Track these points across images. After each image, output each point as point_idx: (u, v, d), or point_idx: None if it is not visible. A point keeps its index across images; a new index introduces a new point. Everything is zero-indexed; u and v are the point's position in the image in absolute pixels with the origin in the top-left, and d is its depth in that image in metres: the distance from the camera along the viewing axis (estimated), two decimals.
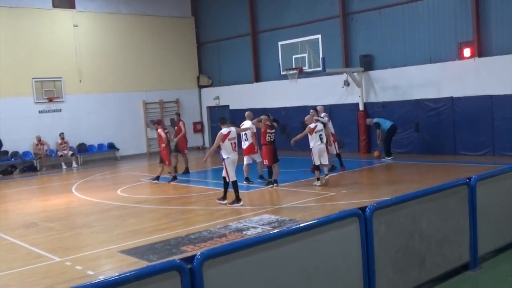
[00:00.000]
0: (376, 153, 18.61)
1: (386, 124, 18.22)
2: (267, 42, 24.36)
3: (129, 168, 20.23)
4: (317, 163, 13.67)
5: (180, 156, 17.36)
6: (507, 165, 7.79)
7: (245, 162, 14.43)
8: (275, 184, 13.85)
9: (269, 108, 22.65)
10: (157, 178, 16.03)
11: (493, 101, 16.88)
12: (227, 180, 11.83)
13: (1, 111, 21.44)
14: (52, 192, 15.99)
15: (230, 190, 11.85)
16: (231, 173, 11.73)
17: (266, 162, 13.91)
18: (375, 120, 18.55)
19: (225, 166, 11.75)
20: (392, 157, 18.01)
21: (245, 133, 14.22)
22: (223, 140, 11.76)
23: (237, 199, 11.85)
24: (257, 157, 14.54)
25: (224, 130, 11.88)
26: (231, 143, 11.81)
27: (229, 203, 11.91)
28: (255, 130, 14.47)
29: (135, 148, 25.32)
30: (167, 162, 16.02)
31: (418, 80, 18.91)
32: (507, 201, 7.02)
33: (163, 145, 16.02)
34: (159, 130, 16.10)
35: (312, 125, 13.73)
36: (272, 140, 13.87)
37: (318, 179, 13.68)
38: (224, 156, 11.79)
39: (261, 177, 14.66)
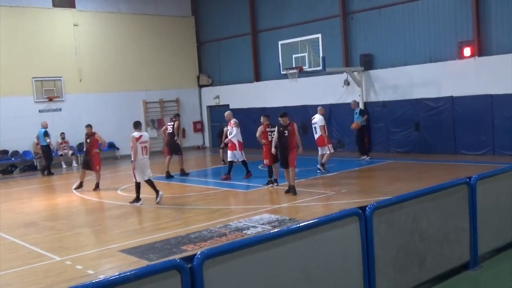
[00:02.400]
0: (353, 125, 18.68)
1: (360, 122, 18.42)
2: (267, 41, 24.35)
3: (129, 168, 20.04)
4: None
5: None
6: (507, 165, 7.80)
7: (319, 153, 15.76)
8: (275, 184, 13.86)
9: (269, 108, 22.65)
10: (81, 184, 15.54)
11: (493, 100, 16.88)
12: (134, 180, 12.52)
13: (1, 110, 21.45)
14: (52, 192, 16.00)
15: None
16: (137, 175, 12.38)
17: (266, 161, 13.92)
18: (362, 110, 18.60)
19: (132, 168, 12.44)
20: (369, 157, 18.20)
21: (315, 127, 15.69)
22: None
23: (137, 199, 12.57)
24: (325, 149, 15.62)
25: (136, 134, 12.42)
26: (141, 147, 12.33)
27: (130, 202, 12.62)
28: (323, 124, 15.65)
29: None
30: (98, 167, 15.48)
31: (418, 79, 18.91)
32: (507, 201, 7.02)
33: (96, 150, 15.44)
34: (97, 135, 15.50)
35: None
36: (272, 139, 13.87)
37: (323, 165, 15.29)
38: (133, 158, 12.35)
39: (322, 165, 15.60)
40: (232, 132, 15.40)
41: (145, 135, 12.71)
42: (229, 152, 15.49)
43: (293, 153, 12.75)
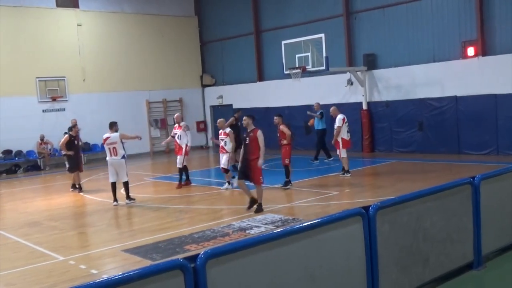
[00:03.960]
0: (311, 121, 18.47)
1: (321, 125, 18.10)
2: (270, 41, 24.34)
3: (132, 167, 20.19)
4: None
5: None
6: (511, 165, 7.77)
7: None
8: (290, 184, 13.69)
9: (272, 107, 22.66)
10: (80, 186, 15.45)
11: (497, 100, 16.84)
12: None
13: (5, 110, 21.50)
14: (56, 191, 16.02)
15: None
16: (109, 175, 12.84)
17: (287, 161, 13.53)
18: (322, 112, 18.15)
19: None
20: (318, 161, 17.94)
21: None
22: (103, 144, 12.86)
23: (114, 199, 12.75)
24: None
25: (104, 135, 12.77)
26: (108, 148, 12.63)
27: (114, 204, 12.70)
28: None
29: (138, 147, 25.29)
30: (82, 168, 15.66)
31: (422, 79, 18.87)
32: (511, 201, 6.99)
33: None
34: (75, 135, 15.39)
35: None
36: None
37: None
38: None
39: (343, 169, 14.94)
40: (184, 136, 14.60)
41: (113, 136, 12.64)
42: (179, 157, 14.53)
43: (256, 166, 10.82)
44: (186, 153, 14.62)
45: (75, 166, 15.30)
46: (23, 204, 14.13)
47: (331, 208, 10.66)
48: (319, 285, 4.70)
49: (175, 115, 15.53)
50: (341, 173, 14.93)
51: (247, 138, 10.89)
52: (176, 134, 14.70)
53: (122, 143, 12.95)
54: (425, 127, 18.77)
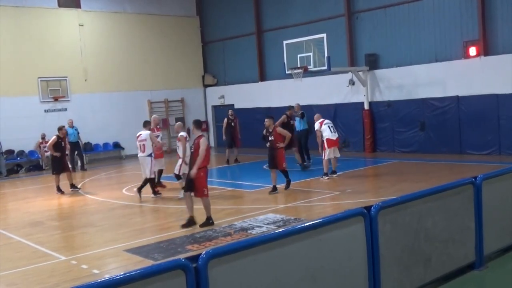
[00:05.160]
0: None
1: (303, 125, 17.30)
2: (272, 41, 24.33)
3: (134, 167, 20.19)
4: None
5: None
6: None
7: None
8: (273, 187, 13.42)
9: (274, 108, 22.65)
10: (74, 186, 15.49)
11: (499, 100, 16.82)
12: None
13: (7, 110, 21.51)
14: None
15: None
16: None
17: (285, 165, 13.12)
18: (303, 112, 17.55)
19: None
20: (305, 163, 17.05)
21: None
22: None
23: (153, 192, 13.47)
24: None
25: (138, 133, 13.50)
26: (139, 145, 13.38)
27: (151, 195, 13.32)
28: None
29: None
30: (70, 169, 15.73)
31: (424, 79, 18.86)
32: None
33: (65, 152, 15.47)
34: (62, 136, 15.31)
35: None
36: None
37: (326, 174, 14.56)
38: None
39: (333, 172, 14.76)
40: (161, 138, 14.48)
41: (144, 134, 13.35)
42: (161, 160, 14.24)
43: (198, 176, 9.76)
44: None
45: (59, 168, 15.22)
46: (25, 204, 14.15)
47: (333, 208, 10.66)
48: (320, 285, 4.70)
49: (154, 117, 15.15)
50: (321, 176, 14.66)
51: (193, 146, 9.89)
52: (159, 136, 14.50)
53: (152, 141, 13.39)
54: (427, 127, 18.75)
